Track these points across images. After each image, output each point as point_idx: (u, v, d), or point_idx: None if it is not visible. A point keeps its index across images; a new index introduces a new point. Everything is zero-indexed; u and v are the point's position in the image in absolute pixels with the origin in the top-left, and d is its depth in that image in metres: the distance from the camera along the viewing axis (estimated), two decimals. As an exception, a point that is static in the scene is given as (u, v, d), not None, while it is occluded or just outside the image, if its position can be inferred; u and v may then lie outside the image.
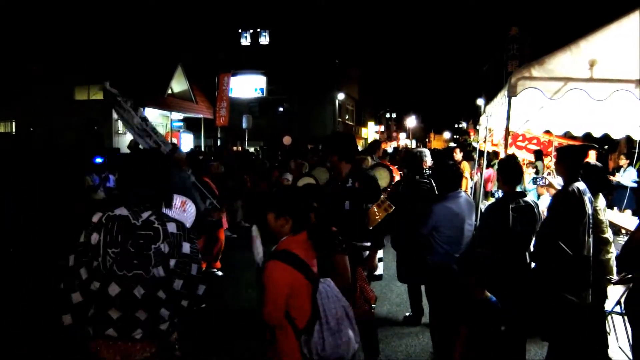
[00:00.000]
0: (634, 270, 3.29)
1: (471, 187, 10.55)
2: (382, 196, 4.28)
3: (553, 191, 6.00)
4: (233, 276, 7.17)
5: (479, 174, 8.84)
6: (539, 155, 9.99)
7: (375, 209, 3.77)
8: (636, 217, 7.16)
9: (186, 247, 2.50)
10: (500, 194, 5.18)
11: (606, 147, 15.28)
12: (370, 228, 4.06)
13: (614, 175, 10.09)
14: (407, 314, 5.68)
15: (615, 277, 4.29)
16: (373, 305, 3.97)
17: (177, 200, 3.55)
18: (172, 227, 2.47)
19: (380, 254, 4.59)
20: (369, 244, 4.19)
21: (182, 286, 2.47)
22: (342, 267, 3.24)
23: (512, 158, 4.47)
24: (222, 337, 5.15)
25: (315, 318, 2.44)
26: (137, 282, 2.38)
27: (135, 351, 2.39)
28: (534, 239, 4.18)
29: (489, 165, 10.29)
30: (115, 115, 25.09)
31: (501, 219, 4.00)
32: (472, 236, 4.39)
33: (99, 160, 9.74)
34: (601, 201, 4.35)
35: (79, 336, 2.45)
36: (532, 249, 4.15)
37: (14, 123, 27.30)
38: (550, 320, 3.95)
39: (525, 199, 4.13)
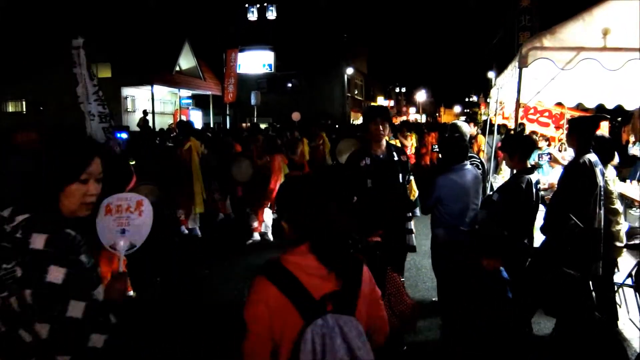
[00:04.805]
0: None
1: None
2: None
3: (565, 163, 5.94)
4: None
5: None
6: None
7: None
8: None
9: (56, 275, 1.60)
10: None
11: (619, 119, 15.01)
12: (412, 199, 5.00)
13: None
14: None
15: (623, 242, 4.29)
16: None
17: (132, 200, 2.53)
18: (37, 242, 1.62)
19: (411, 225, 5.02)
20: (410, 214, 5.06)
21: (51, 334, 1.62)
22: None
23: (521, 133, 4.42)
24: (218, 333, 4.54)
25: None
26: None
27: None
28: (544, 211, 4.17)
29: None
30: (124, 93, 25.19)
31: (525, 194, 3.96)
32: (479, 209, 4.35)
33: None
34: (610, 172, 4.30)
35: None
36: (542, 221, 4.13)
37: (24, 102, 27.49)
38: (552, 295, 3.95)
39: (530, 175, 4.08)
